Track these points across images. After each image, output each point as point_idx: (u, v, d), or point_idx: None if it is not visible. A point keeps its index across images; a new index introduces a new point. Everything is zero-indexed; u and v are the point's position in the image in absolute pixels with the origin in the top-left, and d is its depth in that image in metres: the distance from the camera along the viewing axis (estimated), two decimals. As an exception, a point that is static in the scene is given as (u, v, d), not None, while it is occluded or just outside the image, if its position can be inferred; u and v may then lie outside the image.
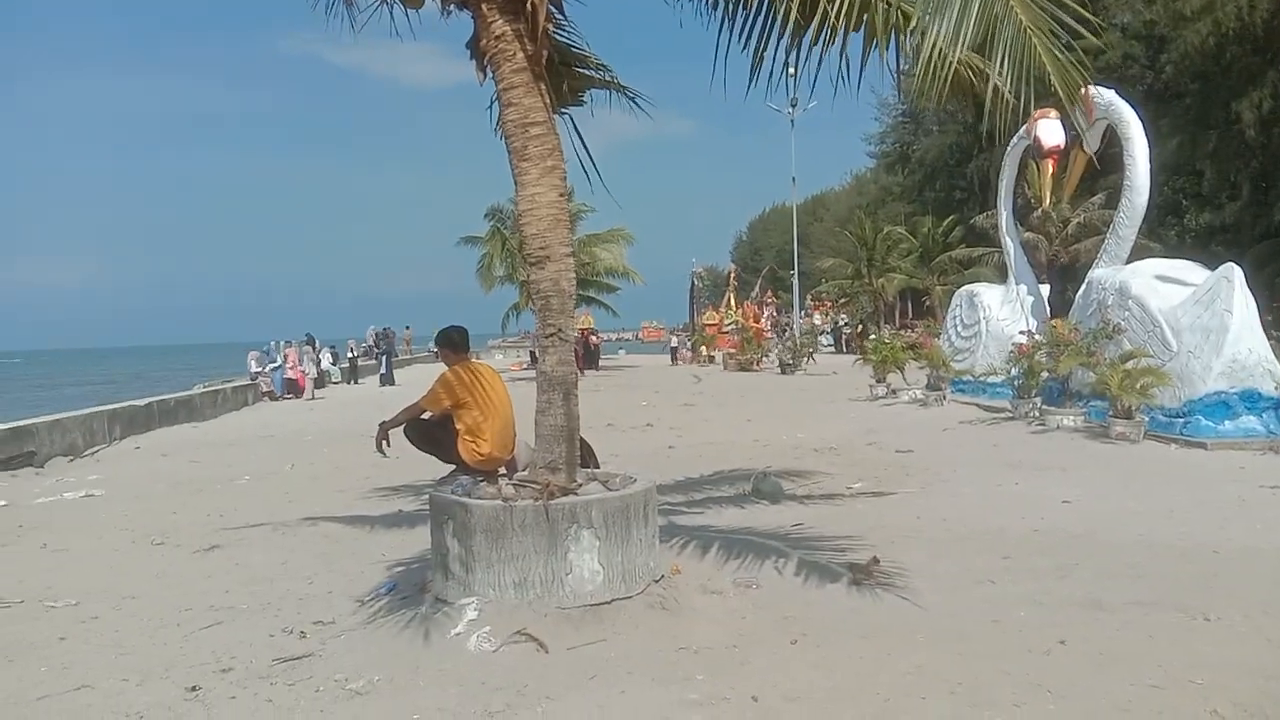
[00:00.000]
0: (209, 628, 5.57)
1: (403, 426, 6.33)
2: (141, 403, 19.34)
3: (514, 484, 5.59)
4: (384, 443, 6.31)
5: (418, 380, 31.81)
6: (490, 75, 5.69)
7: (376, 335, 38.01)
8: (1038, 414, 14.52)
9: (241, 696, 4.45)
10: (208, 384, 26.46)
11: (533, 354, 40.77)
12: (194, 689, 4.55)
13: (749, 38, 5.90)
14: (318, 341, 33.25)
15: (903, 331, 34.26)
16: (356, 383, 33.96)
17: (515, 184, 5.69)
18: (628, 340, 69.41)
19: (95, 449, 15.81)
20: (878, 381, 20.60)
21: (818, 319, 57.25)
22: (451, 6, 5.73)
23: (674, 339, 49.81)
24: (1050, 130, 16.61)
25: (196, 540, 8.17)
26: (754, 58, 5.93)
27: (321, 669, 4.74)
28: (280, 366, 27.57)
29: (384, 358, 33.86)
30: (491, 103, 6.30)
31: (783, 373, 32.00)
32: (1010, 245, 19.43)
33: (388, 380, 32.21)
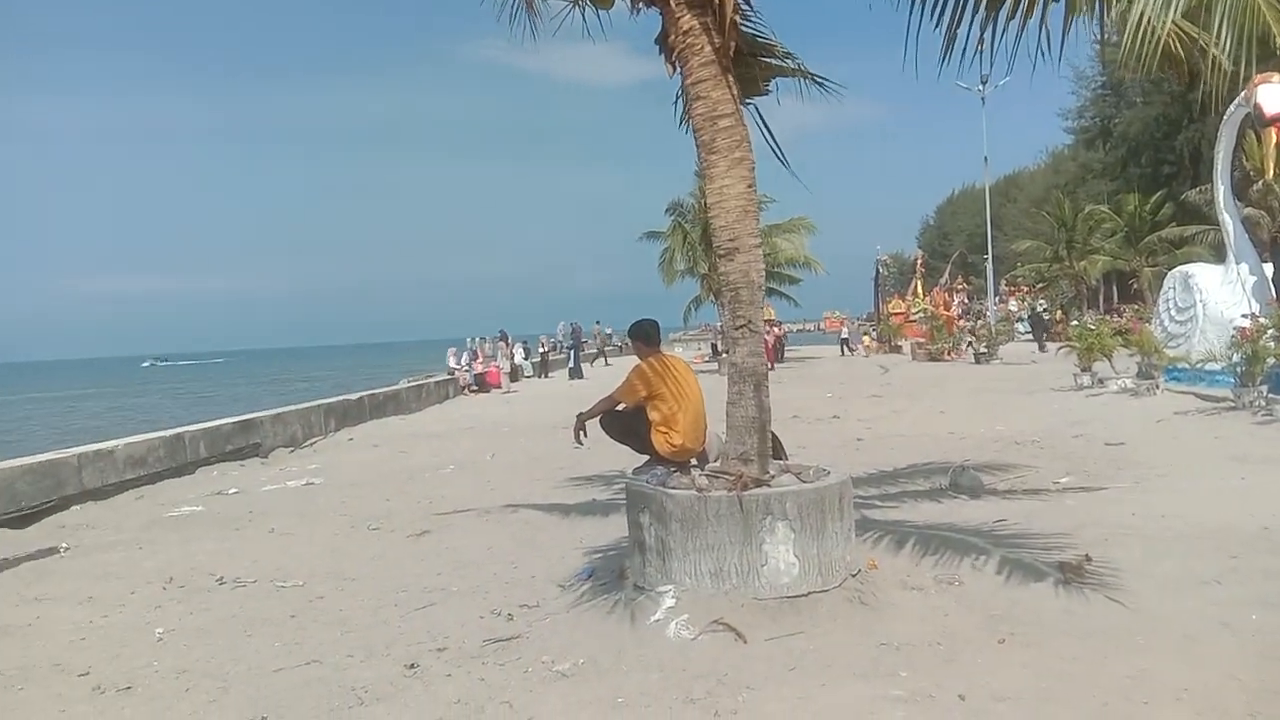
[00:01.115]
0: (423, 608, 5.91)
1: (599, 418, 6.50)
2: (354, 397, 20.65)
3: (707, 475, 5.64)
4: (581, 434, 6.49)
5: (604, 375, 32.54)
6: (678, 70, 5.76)
7: (570, 331, 39.04)
8: (1263, 403, 13.38)
9: (456, 675, 4.70)
10: (412, 379, 27.92)
11: (714, 346, 40.89)
12: (412, 666, 4.84)
13: (941, 14, 5.73)
14: (510, 337, 34.51)
15: (1108, 317, 32.30)
16: (547, 377, 35.03)
17: (704, 177, 5.73)
18: (809, 331, 68.50)
19: (313, 440, 17.00)
20: (1082, 370, 19.51)
21: (1013, 305, 54.74)
22: (640, 4, 5.83)
23: (844, 329, 48.71)
24: (1273, 96, 15.22)
25: (409, 525, 8.67)
26: (947, 35, 5.75)
27: (529, 650, 4.94)
28: (469, 363, 28.75)
29: (572, 352, 34.77)
30: (678, 97, 6.37)
31: (976, 362, 30.79)
32: (1229, 222, 17.97)
33: (576, 374, 33.06)
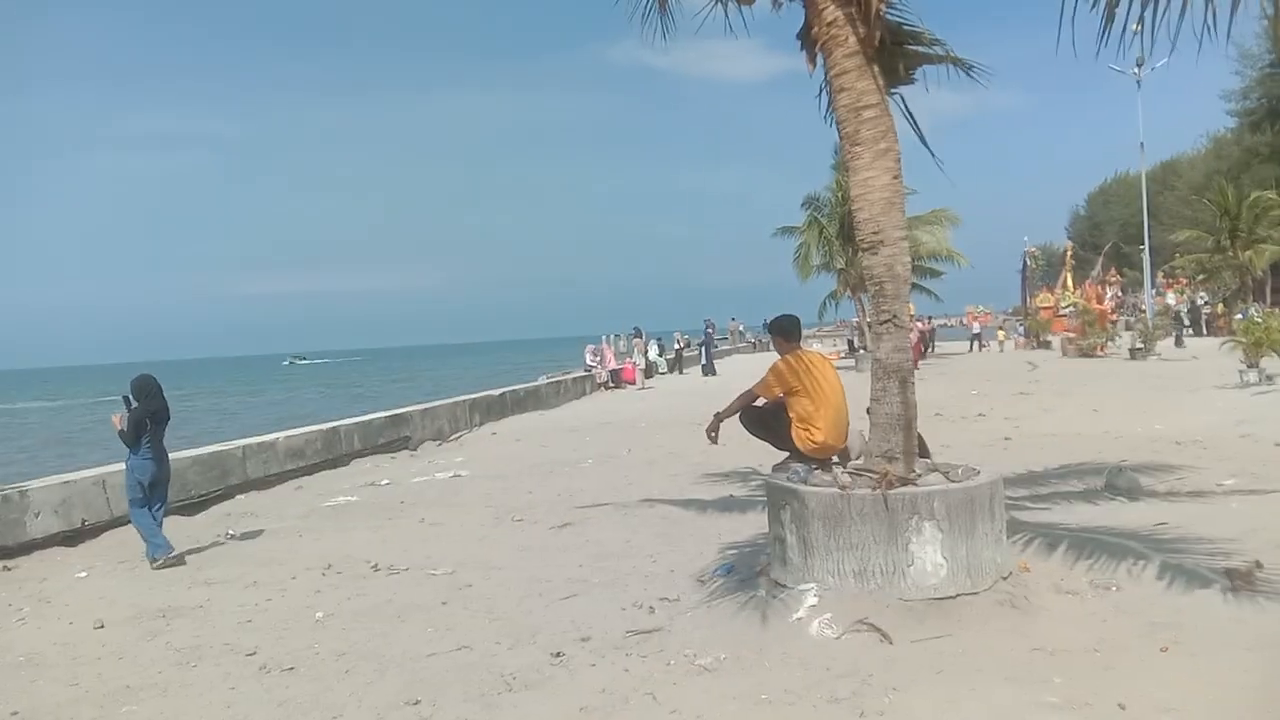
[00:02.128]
0: (567, 599, 6.03)
1: (737, 414, 6.49)
2: (496, 393, 21.22)
3: (850, 472, 5.56)
4: (713, 434, 6.50)
5: (738, 371, 32.39)
6: (821, 63, 5.69)
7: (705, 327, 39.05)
8: None
9: (600, 665, 4.78)
10: (550, 376, 28.49)
11: (850, 343, 40.16)
12: (558, 655, 4.95)
13: (1100, -7, 5.46)
14: (645, 334, 34.78)
15: (1276, 309, 30.21)
16: (681, 373, 35.14)
17: (847, 169, 5.65)
18: (950, 326, 66.55)
19: (459, 434, 17.55)
20: (1249, 366, 18.31)
21: (1171, 298, 51.80)
22: (783, -1, 5.78)
23: (976, 324, 46.84)
24: None
25: (551, 518, 8.86)
26: (1105, 15, 5.48)
27: (671, 643, 4.98)
28: (605, 360, 29.09)
29: (704, 348, 34.77)
30: (821, 90, 6.29)
31: (1132, 358, 29.29)
32: None
33: (709, 371, 33.05)
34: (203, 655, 5.45)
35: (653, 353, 34.39)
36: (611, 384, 28.17)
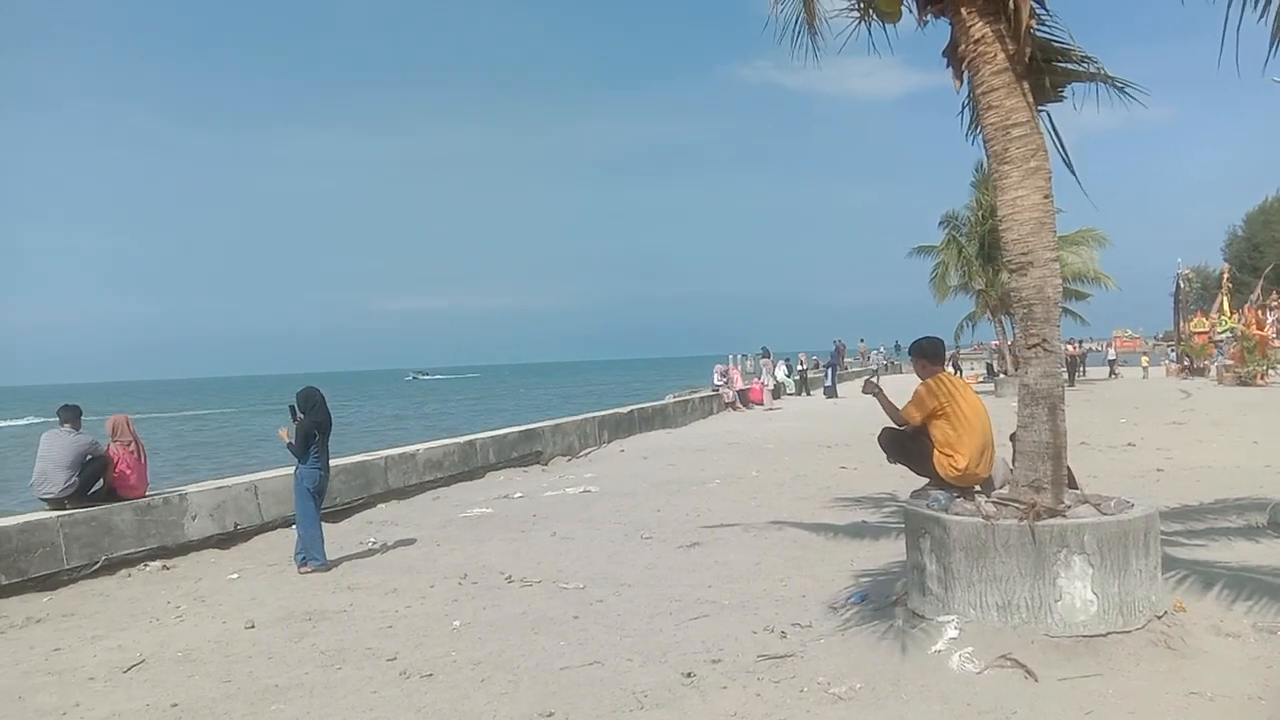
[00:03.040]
0: (697, 619, 6.01)
1: (878, 434, 6.38)
2: (624, 410, 21.39)
3: (994, 501, 5.37)
4: (872, 386, 6.36)
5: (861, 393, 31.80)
6: (967, 80, 5.56)
7: (832, 349, 38.55)
8: None
9: (732, 687, 4.74)
10: (678, 394, 28.55)
11: (989, 366, 38.90)
12: (689, 675, 4.93)
13: (1269, 3, 5.16)
14: (772, 355, 34.49)
15: None
16: (808, 394, 34.70)
17: (995, 188, 5.49)
18: (1097, 351, 63.71)
19: (588, 450, 17.76)
20: None
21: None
22: (929, 16, 5.67)
23: (1111, 350, 44.51)
24: None
25: (679, 537, 8.86)
26: (1276, 26, 5.18)
27: (804, 670, 4.91)
28: (731, 380, 28.96)
29: (830, 370, 34.24)
30: (964, 107, 6.16)
31: (1297, 387, 27.44)
32: None
33: (831, 393, 32.51)
34: (346, 658, 5.65)
35: (780, 373, 34.07)
36: (739, 404, 28.03)
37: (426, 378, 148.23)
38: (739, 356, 31.85)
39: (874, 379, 6.44)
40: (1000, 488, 5.76)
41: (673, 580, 7.17)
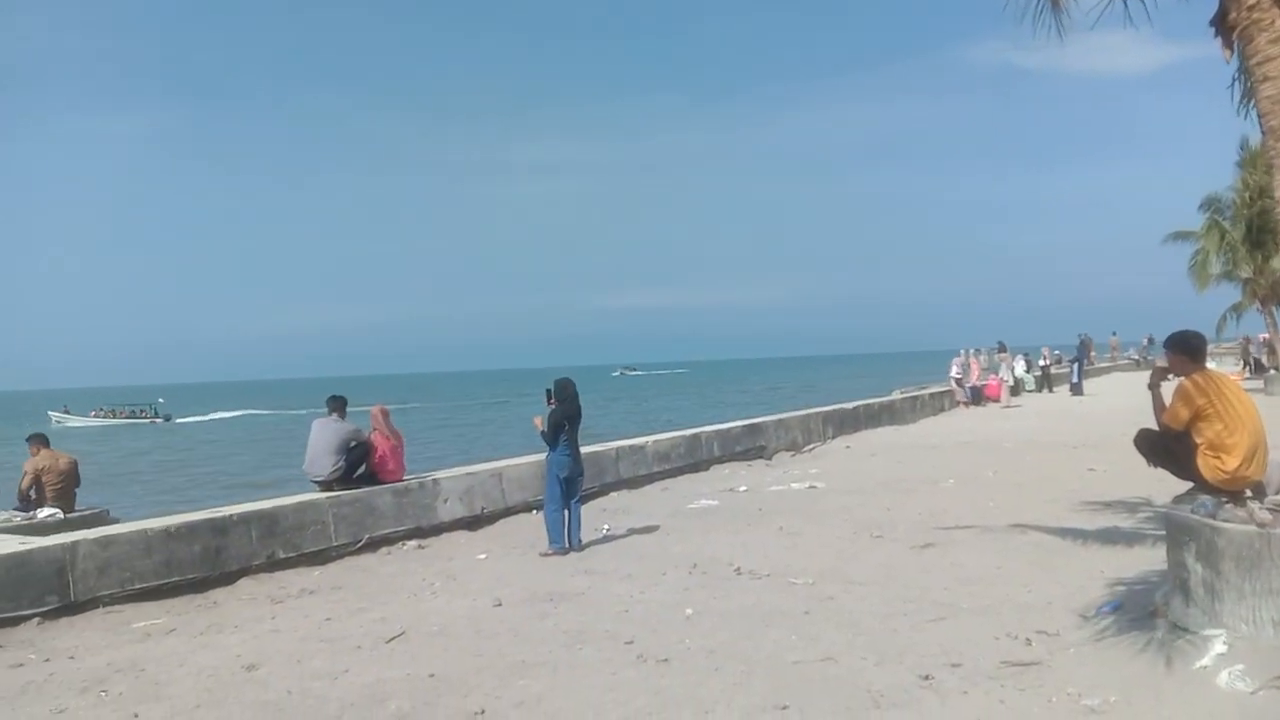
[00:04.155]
0: (934, 621, 5.85)
1: (1134, 437, 5.99)
2: (849, 406, 21.04)
3: (1269, 508, 4.92)
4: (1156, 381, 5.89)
5: (1111, 392, 29.71)
6: (1238, 50, 5.12)
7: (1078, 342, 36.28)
8: None
9: (973, 693, 4.59)
10: (905, 390, 27.74)
11: (1257, 361, 35.33)
12: (926, 678, 4.82)
13: None
14: (1009, 348, 32.84)
15: None
16: (1050, 391, 32.80)
17: (1269, 167, 5.03)
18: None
19: (812, 446, 17.60)
20: None
21: None
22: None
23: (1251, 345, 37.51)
24: None
25: (911, 536, 8.63)
26: None
27: (1051, 679, 4.68)
28: (964, 375, 27.80)
29: (1075, 365, 32.16)
30: (1234, 80, 5.68)
31: None
32: None
33: (1077, 390, 30.53)
34: (586, 639, 5.90)
35: (1019, 369, 32.38)
36: (973, 401, 26.90)
37: (633, 373, 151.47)
38: (973, 350, 30.51)
39: (1160, 372, 5.93)
40: (1276, 494, 5.28)
41: (906, 580, 7.01)
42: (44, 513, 10.04)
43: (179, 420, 70.16)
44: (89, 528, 8.46)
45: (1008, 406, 26.91)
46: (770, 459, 16.02)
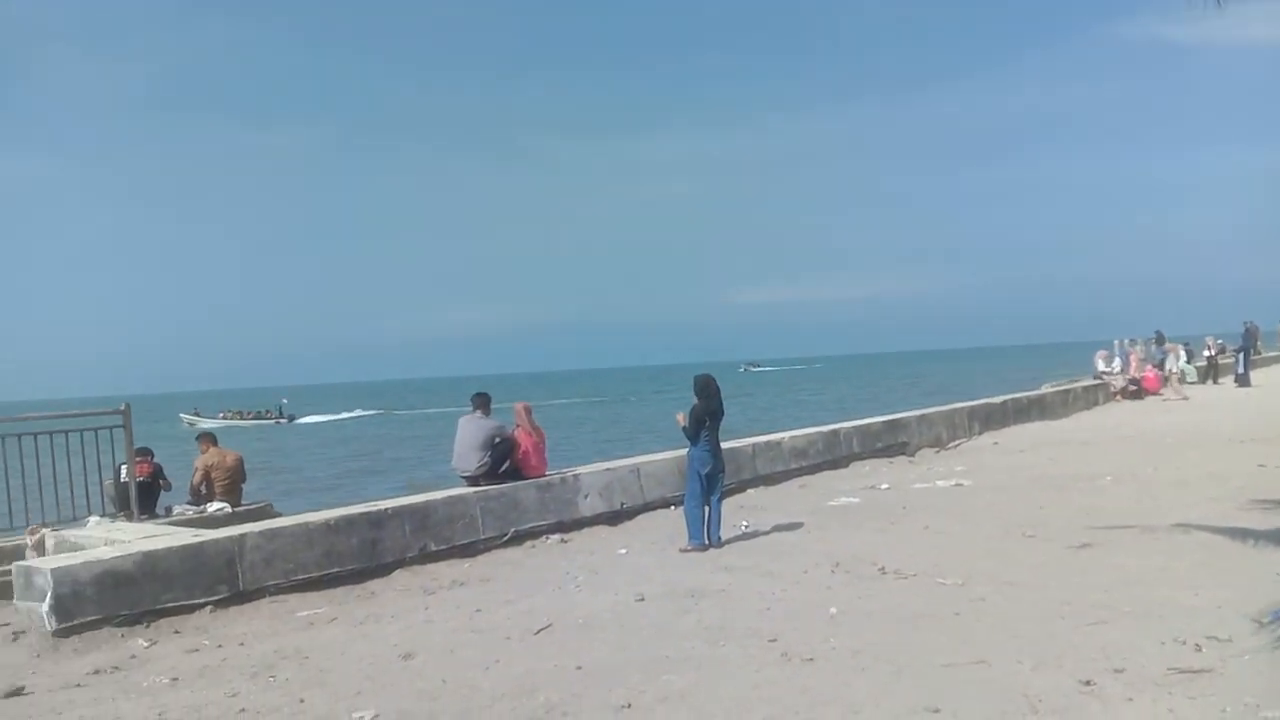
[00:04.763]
0: (1094, 625, 5.61)
1: None
2: (996, 401, 20.32)
3: None
4: None
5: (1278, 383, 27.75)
6: None
7: (1244, 331, 34.02)
8: None
9: (1139, 700, 4.38)
10: (1056, 383, 26.61)
11: None
12: (1088, 683, 4.62)
13: None
14: (1168, 338, 31.07)
15: None
16: (1215, 383, 30.88)
17: None
18: None
19: (957, 442, 17.08)
20: None
21: None
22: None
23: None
24: None
25: (1066, 536, 8.29)
26: None
27: (1225, 687, 4.43)
28: (1122, 367, 26.46)
29: (1241, 355, 30.14)
30: None
31: None
32: None
33: (1243, 381, 28.59)
34: (729, 636, 5.90)
35: (1179, 360, 30.60)
36: (1129, 393, 25.58)
37: (757, 369, 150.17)
38: (1126, 341, 28.98)
39: None
40: None
41: (1062, 581, 6.74)
42: (213, 507, 10.65)
43: (301, 420, 72.21)
44: (255, 521, 8.98)
45: (1168, 400, 25.48)
46: (913, 456, 15.63)
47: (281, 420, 71.50)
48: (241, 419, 70.84)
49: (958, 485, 11.94)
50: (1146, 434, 16.98)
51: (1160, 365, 27.92)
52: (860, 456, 14.68)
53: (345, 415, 79.04)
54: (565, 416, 56.49)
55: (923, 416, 17.04)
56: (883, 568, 7.49)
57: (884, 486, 12.15)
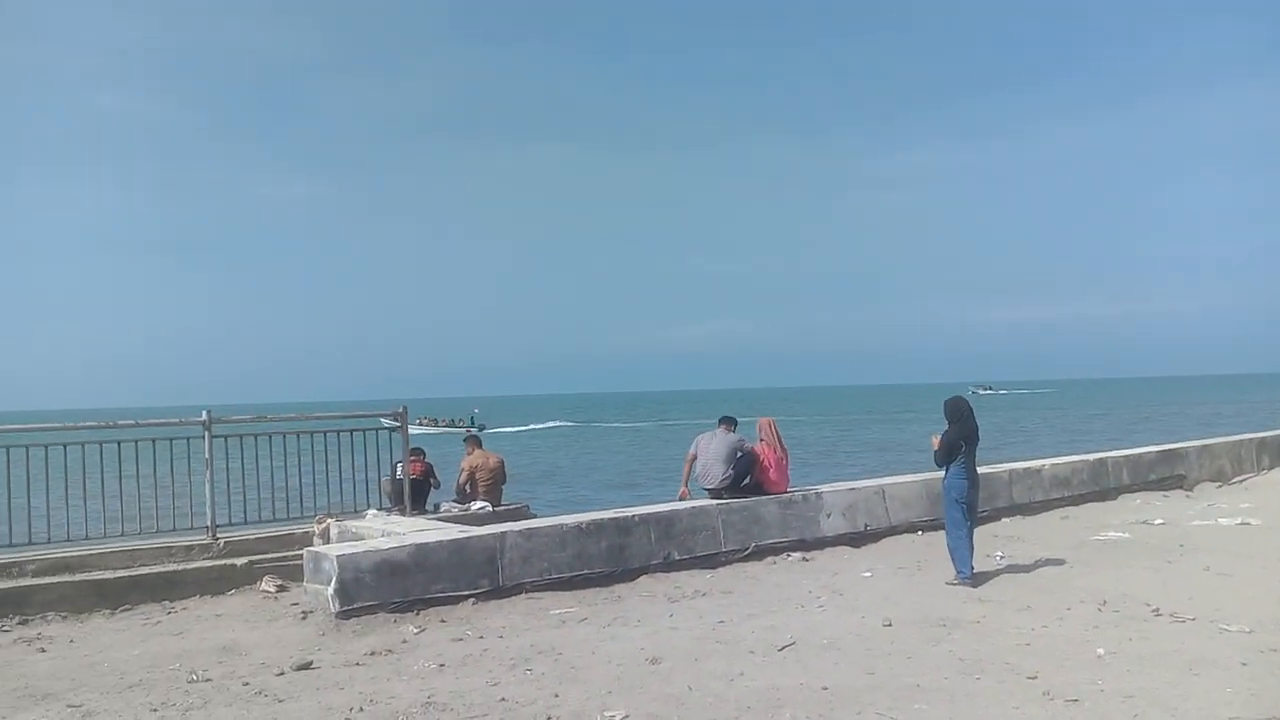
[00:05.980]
0: None
1: None
2: (1290, 432, 18.29)
3: None
4: None
5: None
6: None
7: None
8: None
9: None
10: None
11: None
12: None
13: None
14: None
15: None
16: None
17: None
18: None
19: (1243, 477, 15.52)
20: None
21: None
22: None
23: None
24: None
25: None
26: None
27: None
28: None
29: None
30: None
31: None
32: None
33: None
34: (984, 669, 5.63)
35: None
36: None
37: (987, 392, 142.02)
38: None
39: None
40: None
41: (1375, 638, 5.97)
42: (476, 505, 11.34)
43: (492, 430, 74.20)
44: (514, 520, 9.50)
45: None
46: (1190, 490, 14.34)
47: (472, 430, 73.99)
48: (436, 426, 73.82)
49: (1244, 524, 10.83)
50: None
51: None
52: (1130, 489, 13.61)
53: (535, 426, 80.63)
54: (802, 434, 55.84)
55: (1204, 447, 15.60)
56: (1157, 609, 6.91)
57: (1158, 522, 11.20)
